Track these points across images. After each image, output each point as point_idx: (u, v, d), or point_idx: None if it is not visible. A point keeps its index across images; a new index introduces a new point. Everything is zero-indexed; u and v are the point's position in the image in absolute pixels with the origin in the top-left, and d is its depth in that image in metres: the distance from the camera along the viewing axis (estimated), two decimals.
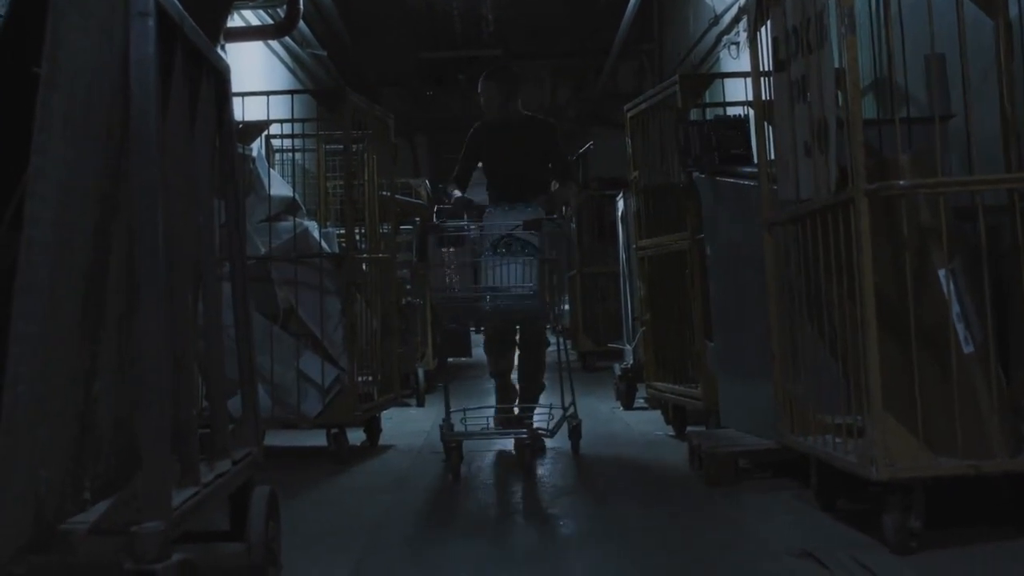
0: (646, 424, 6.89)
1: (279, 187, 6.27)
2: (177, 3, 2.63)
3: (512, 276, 5.37)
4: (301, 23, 9.71)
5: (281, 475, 5.02)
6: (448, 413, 5.32)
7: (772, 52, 4.08)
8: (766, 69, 4.19)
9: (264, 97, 6.21)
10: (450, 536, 3.97)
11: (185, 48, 2.74)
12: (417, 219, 9.12)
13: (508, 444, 5.93)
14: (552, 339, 6.57)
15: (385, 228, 7.04)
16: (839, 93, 3.57)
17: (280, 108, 6.80)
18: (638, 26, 13.78)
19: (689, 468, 5.00)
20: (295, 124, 7.27)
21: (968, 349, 3.48)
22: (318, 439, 6.07)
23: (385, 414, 6.61)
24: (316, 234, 6.09)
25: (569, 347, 10.96)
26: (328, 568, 3.45)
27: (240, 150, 5.57)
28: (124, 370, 2.49)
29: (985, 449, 3.39)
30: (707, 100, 7.20)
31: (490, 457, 5.78)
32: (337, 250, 6.26)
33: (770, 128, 4.27)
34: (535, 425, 5.67)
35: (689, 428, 6.00)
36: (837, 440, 3.64)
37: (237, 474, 2.98)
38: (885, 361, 3.33)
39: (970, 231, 3.68)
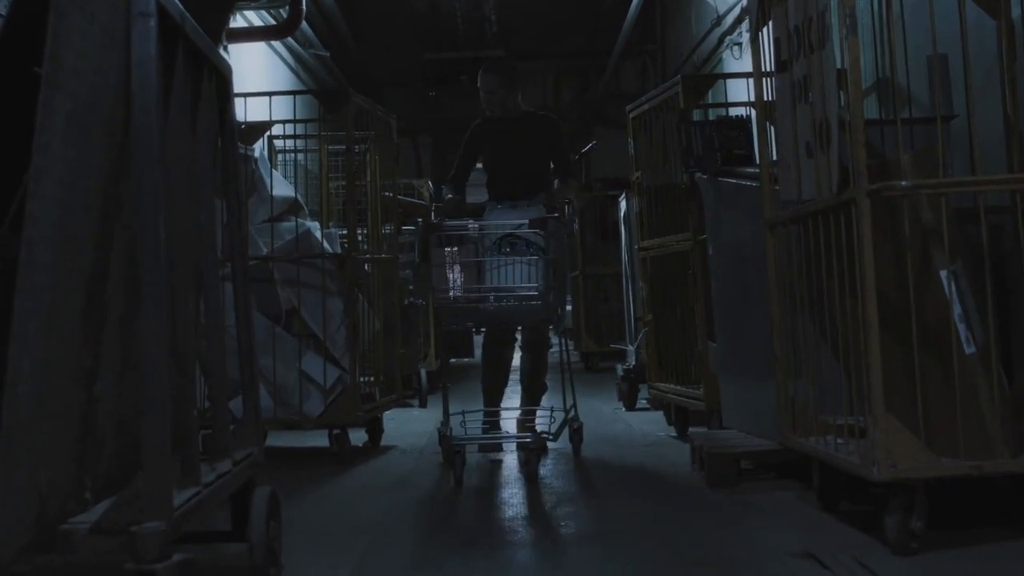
0: (648, 425, 6.89)
1: (281, 187, 6.27)
2: (179, 3, 2.63)
3: (517, 276, 5.28)
4: (304, 23, 9.72)
5: (283, 475, 5.03)
6: (447, 417, 5.25)
7: (774, 52, 4.08)
8: (768, 69, 4.19)
9: (267, 97, 6.22)
10: (451, 537, 3.97)
11: (187, 48, 2.74)
12: (419, 220, 9.10)
13: (507, 446, 5.93)
14: (554, 340, 6.54)
15: (387, 229, 7.04)
16: (841, 93, 3.57)
17: (283, 109, 6.80)
18: (641, 27, 13.79)
19: (691, 469, 5.00)
20: (298, 125, 7.28)
21: (970, 350, 3.48)
22: (320, 440, 6.07)
23: (387, 415, 6.61)
24: (318, 235, 6.09)
25: (572, 348, 10.96)
26: (329, 568, 3.45)
27: (242, 150, 5.57)
28: (126, 370, 2.50)
29: (987, 450, 3.39)
30: (709, 100, 7.21)
31: (490, 459, 5.77)
32: (339, 251, 6.26)
33: (772, 128, 4.27)
34: (537, 428, 5.62)
35: (691, 429, 6.00)
36: (839, 441, 3.64)
37: (238, 474, 2.98)
38: (887, 362, 3.33)
39: (972, 232, 3.67)
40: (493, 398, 6.06)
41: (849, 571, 3.11)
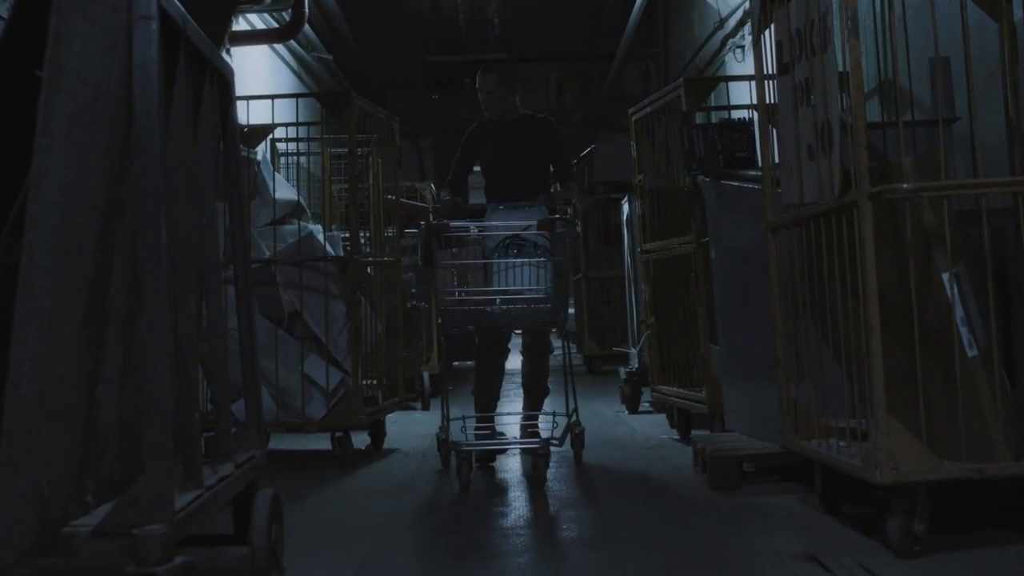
0: (651, 428, 6.89)
1: (284, 191, 6.28)
2: (180, 7, 2.63)
3: (524, 279, 5.17)
4: (306, 27, 9.72)
5: (285, 478, 5.03)
6: (447, 422, 5.18)
7: (776, 55, 4.08)
8: (770, 72, 4.19)
9: (269, 100, 6.22)
10: (454, 541, 3.97)
11: (188, 51, 2.74)
12: (422, 223, 9.09)
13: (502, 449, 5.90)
14: (557, 343, 6.49)
15: (390, 232, 7.04)
16: (842, 96, 3.57)
17: (285, 112, 6.81)
18: (643, 30, 13.81)
19: (694, 472, 4.99)
20: (300, 128, 7.29)
21: (972, 353, 3.48)
22: (322, 442, 6.07)
23: (390, 418, 6.61)
24: (321, 238, 6.09)
25: (574, 351, 10.96)
26: (331, 572, 3.45)
27: (245, 153, 5.57)
28: (128, 373, 2.50)
29: (989, 452, 3.39)
30: (712, 103, 7.21)
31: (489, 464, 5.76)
32: (342, 254, 6.26)
33: (774, 131, 4.27)
34: (541, 433, 5.53)
35: (694, 432, 6.00)
36: (841, 444, 3.64)
37: (240, 477, 2.98)
38: (889, 364, 3.32)
39: (974, 234, 3.67)
40: (487, 407, 5.88)
41: (851, 574, 3.11)
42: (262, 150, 6.51)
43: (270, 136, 6.81)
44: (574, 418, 5.53)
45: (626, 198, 8.72)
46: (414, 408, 8.42)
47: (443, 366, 7.02)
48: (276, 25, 9.44)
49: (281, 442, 6.50)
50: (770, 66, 4.17)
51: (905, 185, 3.44)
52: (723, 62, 10.90)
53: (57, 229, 2.13)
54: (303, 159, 8.07)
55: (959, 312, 3.47)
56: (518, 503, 4.62)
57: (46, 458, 2.12)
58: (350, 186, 6.24)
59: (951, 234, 3.47)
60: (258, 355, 3.42)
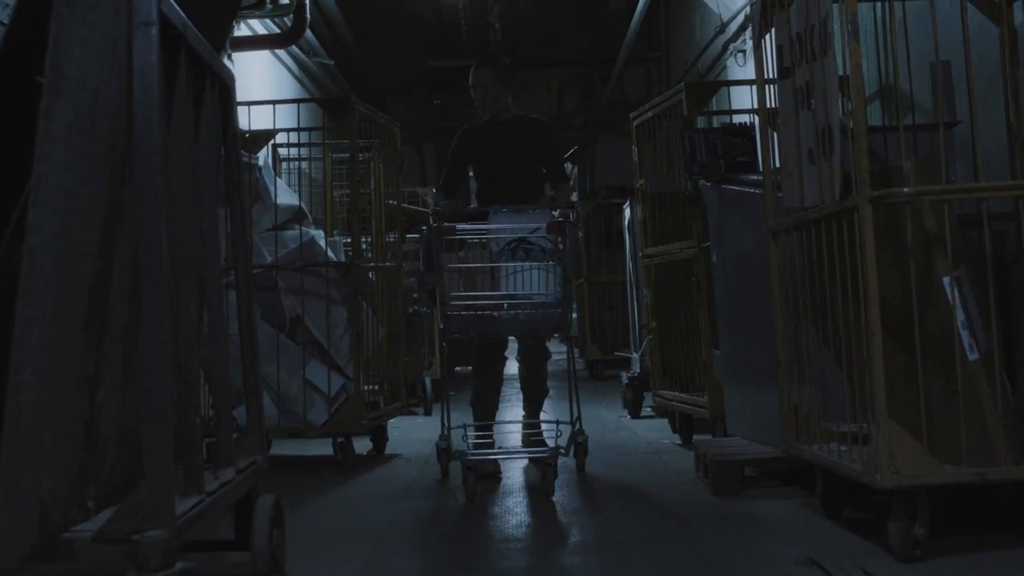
0: (653, 432, 6.89)
1: (285, 196, 6.28)
2: (181, 12, 2.64)
3: (533, 284, 5.03)
4: (308, 32, 9.73)
5: (287, 484, 5.03)
6: (448, 431, 5.11)
7: (776, 59, 4.09)
8: (771, 76, 4.19)
9: (271, 106, 6.22)
10: (456, 547, 3.97)
11: (189, 56, 2.74)
12: (424, 228, 9.08)
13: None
14: (561, 348, 6.45)
15: (392, 237, 7.04)
16: (843, 100, 3.57)
17: (287, 117, 6.82)
18: (645, 34, 13.82)
19: (695, 477, 4.99)
20: (302, 133, 7.30)
21: (973, 356, 3.48)
22: (324, 448, 6.07)
23: (392, 423, 6.61)
24: (322, 243, 6.10)
25: (576, 355, 10.95)
26: None
27: (246, 159, 5.58)
28: (128, 378, 2.50)
29: (990, 457, 3.38)
30: (713, 107, 7.22)
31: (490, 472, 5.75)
32: (343, 259, 6.26)
33: (775, 135, 4.27)
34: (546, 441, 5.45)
35: (696, 436, 6.00)
36: (842, 448, 3.64)
37: (242, 483, 2.98)
38: (890, 368, 3.32)
39: (975, 238, 3.67)
40: (487, 417, 5.76)
41: None
42: (264, 155, 6.52)
43: (272, 141, 6.82)
44: (578, 426, 5.38)
45: (628, 202, 8.73)
46: (416, 413, 8.42)
47: (445, 372, 7.00)
48: (278, 30, 9.44)
49: (283, 447, 6.51)
50: (771, 70, 4.18)
51: (906, 189, 3.45)
52: (724, 66, 10.91)
53: (58, 235, 2.14)
54: (305, 164, 8.08)
55: (960, 316, 3.47)
56: (519, 509, 4.62)
57: (47, 463, 2.12)
58: (352, 191, 6.25)
59: (952, 238, 3.48)
60: (259, 360, 3.42)
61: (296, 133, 7.17)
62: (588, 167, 17.93)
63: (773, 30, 4.13)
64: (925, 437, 3.32)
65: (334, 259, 6.08)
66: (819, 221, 3.72)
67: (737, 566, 3.45)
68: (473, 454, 4.91)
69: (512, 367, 6.02)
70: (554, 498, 4.74)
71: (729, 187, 5.16)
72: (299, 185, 7.31)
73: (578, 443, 5.38)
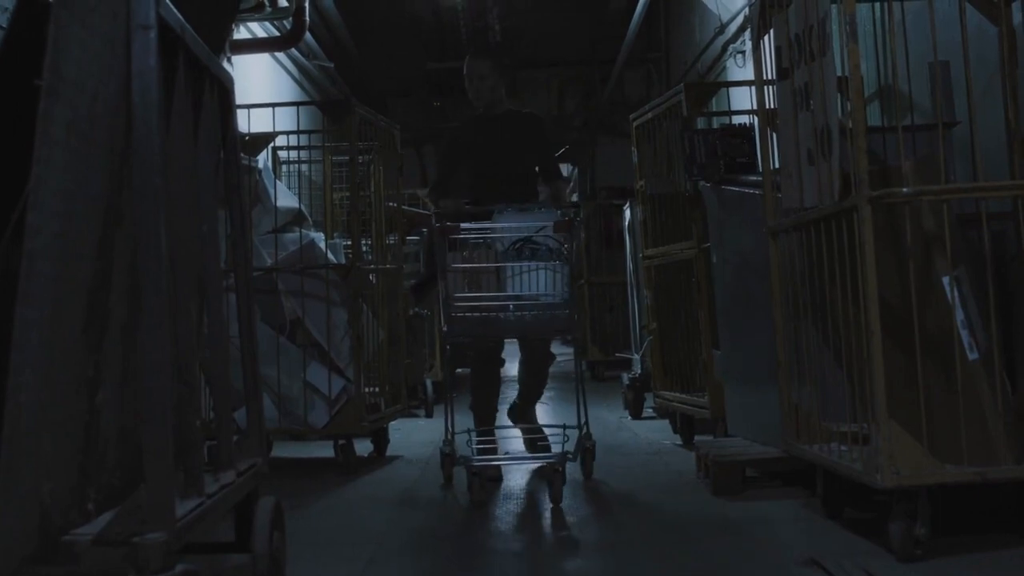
0: (654, 433, 6.89)
1: (285, 198, 6.28)
2: (179, 15, 2.64)
3: (540, 284, 4.93)
4: (307, 35, 9.74)
5: (287, 486, 5.03)
6: (451, 435, 5.06)
7: (775, 60, 4.09)
8: (770, 77, 4.20)
9: (270, 109, 6.23)
10: (457, 548, 3.97)
11: (187, 59, 2.75)
12: (424, 229, 9.08)
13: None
14: (567, 350, 6.40)
15: (392, 239, 7.04)
16: (842, 100, 3.57)
17: (286, 120, 6.82)
18: (644, 35, 13.82)
19: (696, 477, 4.99)
20: (301, 135, 7.29)
21: (973, 356, 3.48)
22: (325, 450, 6.07)
23: (393, 425, 6.61)
24: (322, 245, 6.10)
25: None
26: None
27: (246, 161, 5.58)
28: (128, 380, 2.50)
29: (990, 456, 3.39)
30: (713, 108, 7.21)
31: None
32: (343, 261, 6.26)
33: (774, 136, 4.27)
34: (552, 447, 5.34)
35: (697, 437, 6.00)
36: (842, 448, 3.64)
37: (242, 485, 2.98)
38: (889, 368, 3.32)
39: (974, 238, 3.67)
40: (487, 422, 5.70)
41: None
42: (263, 158, 6.52)
43: (271, 144, 6.82)
44: (584, 431, 5.22)
45: (628, 203, 8.73)
46: (417, 415, 8.42)
47: (447, 375, 6.99)
48: (277, 33, 9.45)
49: (283, 449, 6.51)
50: (770, 71, 4.18)
51: (905, 189, 3.45)
52: (724, 67, 10.92)
53: (57, 236, 2.14)
54: (304, 167, 8.08)
55: (959, 315, 3.47)
56: (521, 510, 4.62)
57: (47, 465, 2.13)
58: (351, 194, 6.24)
59: (951, 238, 3.48)
60: (260, 362, 3.42)
61: (296, 136, 7.17)
62: (588, 168, 17.94)
63: (772, 31, 4.13)
64: (925, 437, 3.32)
65: (334, 261, 6.08)
66: (818, 221, 3.72)
67: (738, 566, 3.45)
68: (479, 459, 4.79)
69: (512, 368, 5.99)
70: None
71: (729, 188, 5.16)
72: (299, 188, 7.31)
73: (586, 448, 5.21)
